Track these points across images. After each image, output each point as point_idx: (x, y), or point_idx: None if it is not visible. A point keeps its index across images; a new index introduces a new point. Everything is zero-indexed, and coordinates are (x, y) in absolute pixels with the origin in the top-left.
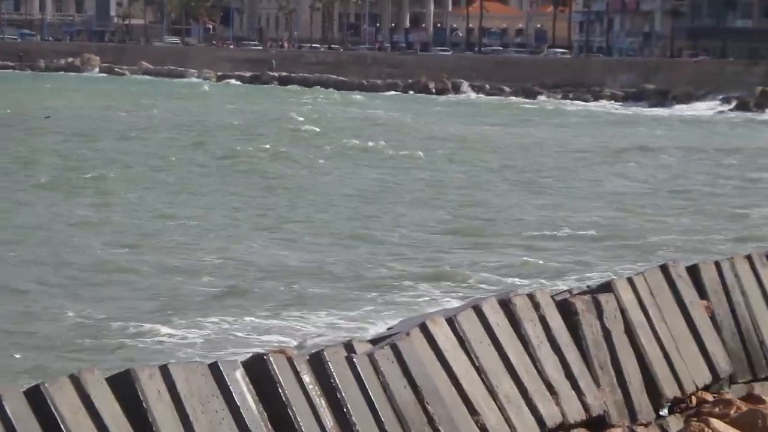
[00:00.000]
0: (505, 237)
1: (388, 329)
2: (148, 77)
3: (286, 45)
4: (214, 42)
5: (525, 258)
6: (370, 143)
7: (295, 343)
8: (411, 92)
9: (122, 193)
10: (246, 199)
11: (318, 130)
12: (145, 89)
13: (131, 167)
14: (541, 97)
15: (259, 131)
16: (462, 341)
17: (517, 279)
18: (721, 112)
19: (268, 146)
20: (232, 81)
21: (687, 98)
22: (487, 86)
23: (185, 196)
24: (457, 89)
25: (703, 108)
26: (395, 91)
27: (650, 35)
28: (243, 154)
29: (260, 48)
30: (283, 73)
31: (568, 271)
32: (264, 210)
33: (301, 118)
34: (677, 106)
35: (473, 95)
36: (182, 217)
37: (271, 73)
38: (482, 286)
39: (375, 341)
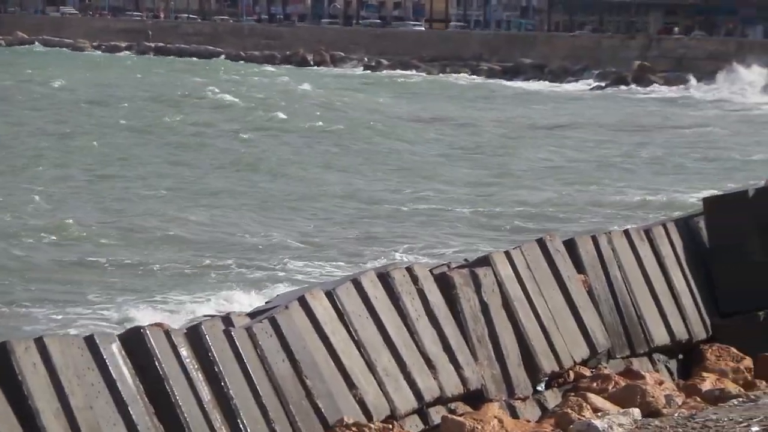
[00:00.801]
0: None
1: (266, 303)
2: (25, 47)
3: (162, 15)
4: (90, 12)
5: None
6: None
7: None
8: (289, 65)
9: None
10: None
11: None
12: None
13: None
14: (418, 71)
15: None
16: (341, 315)
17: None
18: (599, 87)
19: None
20: (121, 53)
21: (563, 73)
22: (366, 59)
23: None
24: (336, 62)
25: (581, 83)
26: (272, 63)
27: (527, 9)
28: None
29: (137, 18)
30: (160, 44)
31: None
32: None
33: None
34: (556, 83)
35: (358, 70)
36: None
37: (147, 44)
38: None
39: (253, 315)
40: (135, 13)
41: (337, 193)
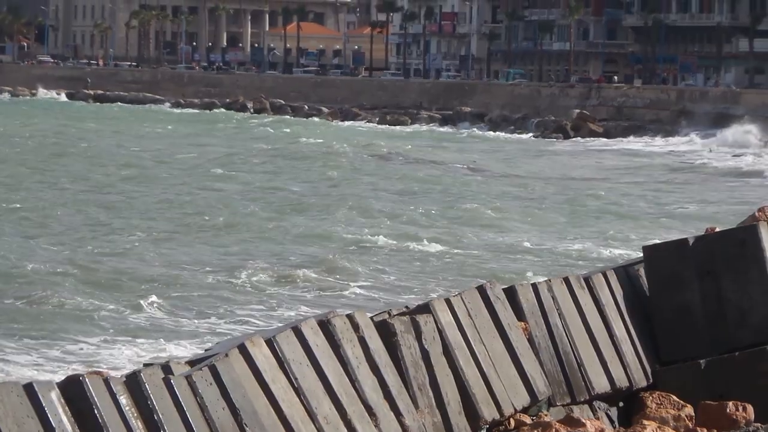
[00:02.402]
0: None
1: (206, 350)
2: None
3: (101, 63)
4: (27, 60)
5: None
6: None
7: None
8: (230, 111)
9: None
10: None
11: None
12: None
13: None
14: (362, 121)
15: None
16: (281, 362)
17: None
18: (539, 135)
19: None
20: (61, 97)
21: (503, 121)
22: (306, 107)
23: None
24: (276, 110)
25: (522, 131)
26: (211, 110)
27: (467, 58)
28: None
29: (75, 65)
30: (99, 91)
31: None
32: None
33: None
34: (496, 131)
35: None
36: None
37: (86, 91)
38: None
39: (193, 362)
40: (81, 60)
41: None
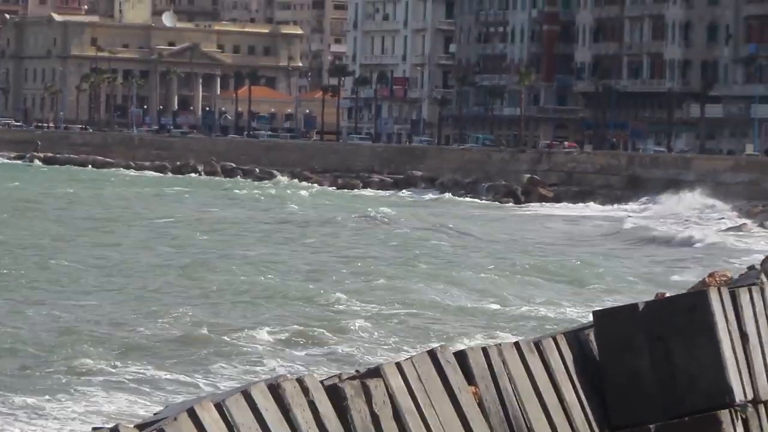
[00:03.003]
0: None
1: (155, 414)
2: None
3: (51, 126)
4: None
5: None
6: None
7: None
8: (179, 175)
9: None
10: None
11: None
12: None
13: None
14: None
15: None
16: (231, 427)
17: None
18: (490, 199)
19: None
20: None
21: (454, 185)
22: (257, 170)
23: None
24: (227, 173)
25: (474, 196)
26: (162, 173)
27: (418, 122)
28: None
29: (25, 128)
30: (49, 154)
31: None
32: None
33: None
34: (448, 195)
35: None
36: None
37: (36, 154)
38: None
39: (142, 426)
40: (46, 124)
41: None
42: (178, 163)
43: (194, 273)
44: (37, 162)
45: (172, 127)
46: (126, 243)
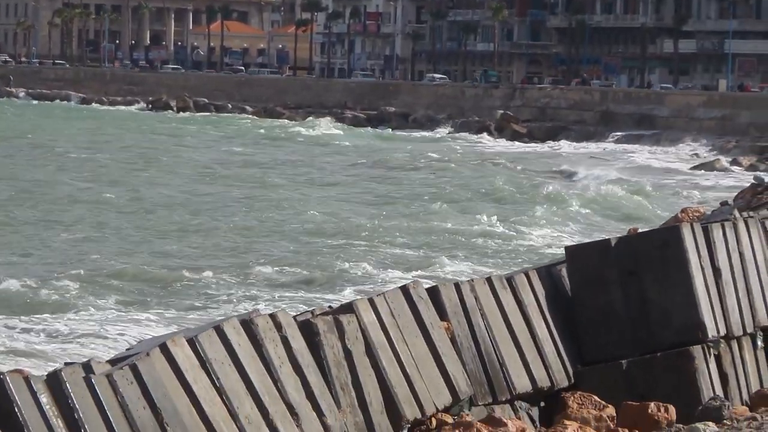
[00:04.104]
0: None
1: (127, 349)
2: None
3: (23, 59)
4: None
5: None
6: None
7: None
8: (153, 110)
9: None
10: None
11: None
12: None
13: None
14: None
15: None
16: (203, 362)
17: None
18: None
19: None
20: None
21: (428, 121)
22: (229, 105)
23: None
24: (200, 108)
25: (443, 131)
26: (136, 107)
27: (391, 58)
28: None
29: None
30: (22, 89)
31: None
32: None
33: None
34: (421, 131)
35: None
36: None
37: (8, 89)
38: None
39: (114, 362)
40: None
41: None
42: (151, 98)
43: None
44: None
45: (144, 62)
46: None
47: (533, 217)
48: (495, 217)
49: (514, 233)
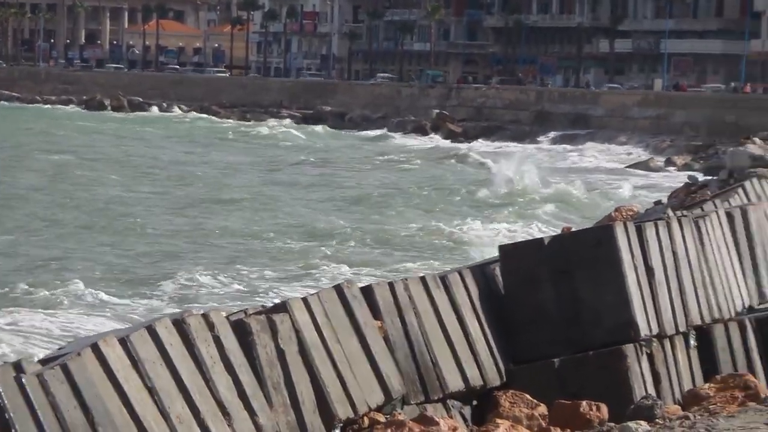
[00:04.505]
0: None
1: (58, 349)
2: None
3: None
4: None
5: None
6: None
7: None
8: (87, 109)
9: None
10: None
11: None
12: None
13: None
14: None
15: None
16: (135, 362)
17: None
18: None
19: None
20: None
21: (364, 120)
22: (164, 104)
23: None
24: (134, 107)
25: (381, 131)
26: (70, 107)
27: (328, 57)
28: None
29: None
30: None
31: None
32: None
33: None
34: (359, 131)
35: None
36: None
37: None
38: None
39: (46, 361)
40: None
41: None
42: (85, 97)
43: None
44: None
45: (79, 61)
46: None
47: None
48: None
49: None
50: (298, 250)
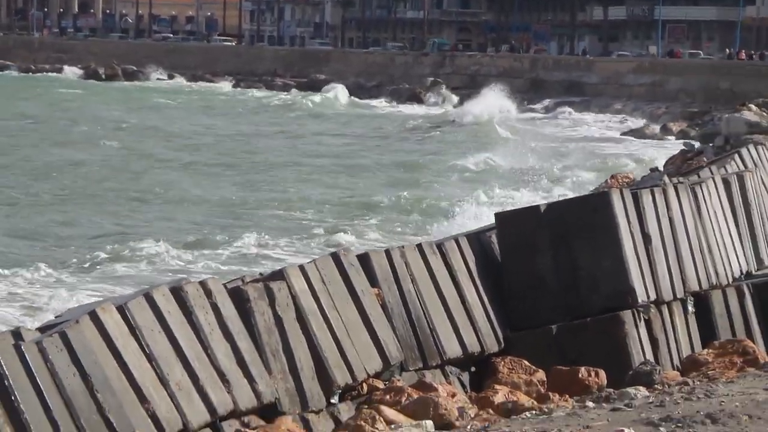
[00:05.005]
0: None
1: (56, 317)
2: None
3: None
4: None
5: None
6: None
7: None
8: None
9: None
10: None
11: None
12: None
13: None
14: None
15: None
16: (132, 329)
17: None
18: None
19: None
20: None
21: (358, 89)
22: (158, 73)
23: None
24: (128, 76)
25: (378, 101)
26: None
27: (321, 25)
28: None
29: None
30: None
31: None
32: None
33: None
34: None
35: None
36: None
37: None
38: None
39: (44, 329)
40: None
41: None
42: (79, 65)
43: None
44: None
45: (72, 30)
46: None
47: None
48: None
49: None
50: None
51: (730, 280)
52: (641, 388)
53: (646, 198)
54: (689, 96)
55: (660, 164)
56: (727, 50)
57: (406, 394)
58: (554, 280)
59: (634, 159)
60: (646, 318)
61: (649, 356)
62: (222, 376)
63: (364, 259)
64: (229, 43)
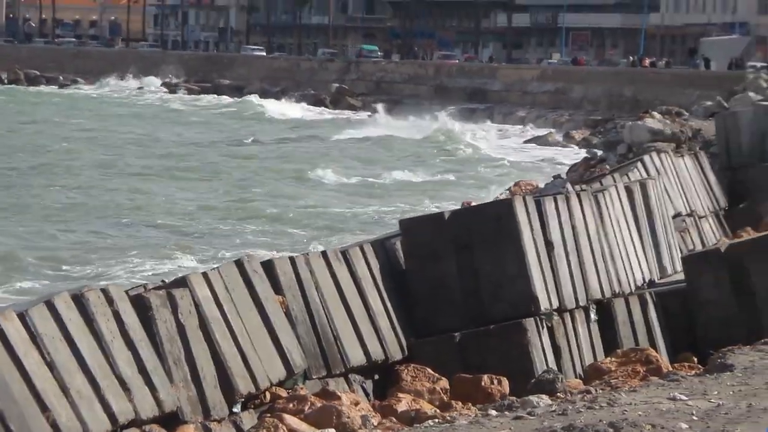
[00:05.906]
0: None
1: None
2: None
3: None
4: None
5: None
6: None
7: None
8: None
9: None
10: None
11: None
12: None
13: None
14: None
15: None
16: (33, 337)
17: None
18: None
19: None
20: None
21: (263, 94)
22: (61, 78)
23: None
24: (31, 81)
25: (287, 105)
26: None
27: (225, 30)
28: None
29: None
30: None
31: None
32: None
33: None
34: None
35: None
36: None
37: None
38: None
39: None
40: None
41: None
42: None
43: None
44: None
45: None
46: None
47: None
48: None
49: None
50: None
51: (633, 288)
52: (544, 396)
53: (549, 206)
54: (592, 104)
55: (563, 172)
56: (631, 57)
57: (309, 403)
58: (458, 288)
59: (537, 167)
60: (549, 326)
61: (552, 364)
62: (123, 384)
63: (268, 266)
64: (156, 48)
